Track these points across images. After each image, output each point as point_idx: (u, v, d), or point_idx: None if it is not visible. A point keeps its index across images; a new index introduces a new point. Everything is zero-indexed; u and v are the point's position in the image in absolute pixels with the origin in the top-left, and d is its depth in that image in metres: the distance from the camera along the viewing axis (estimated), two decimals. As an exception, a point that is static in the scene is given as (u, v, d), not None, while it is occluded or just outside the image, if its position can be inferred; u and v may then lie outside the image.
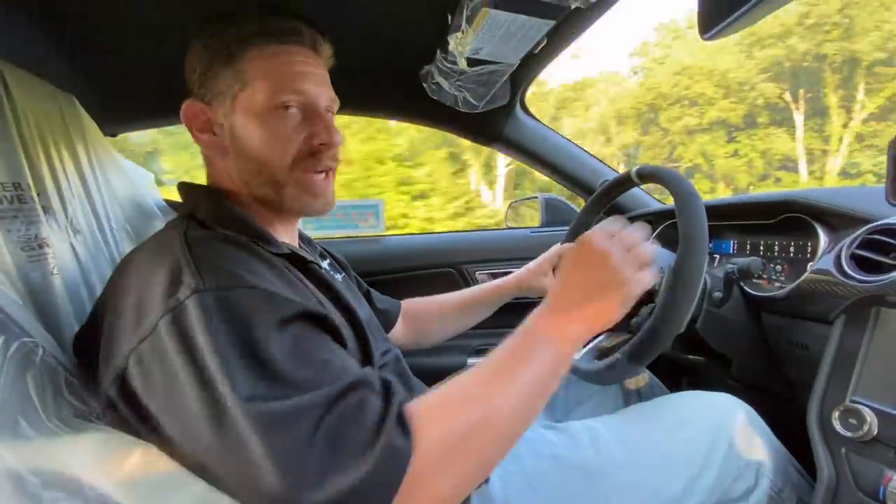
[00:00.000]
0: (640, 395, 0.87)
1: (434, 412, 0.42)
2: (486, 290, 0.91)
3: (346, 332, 0.51)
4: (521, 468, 0.61)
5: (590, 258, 0.51)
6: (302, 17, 0.57)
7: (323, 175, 0.58)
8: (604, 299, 0.49)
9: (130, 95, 0.96)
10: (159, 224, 0.84)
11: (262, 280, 0.44)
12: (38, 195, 0.57)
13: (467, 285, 1.33)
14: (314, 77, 0.56)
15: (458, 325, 0.93)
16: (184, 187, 0.58)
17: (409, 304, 0.92)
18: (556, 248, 0.89)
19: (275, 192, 0.56)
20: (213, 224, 0.52)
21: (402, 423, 0.40)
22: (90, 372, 0.48)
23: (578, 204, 1.44)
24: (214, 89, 0.54)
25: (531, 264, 0.90)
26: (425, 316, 0.92)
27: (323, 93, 0.57)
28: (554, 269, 0.87)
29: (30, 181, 0.57)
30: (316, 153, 0.56)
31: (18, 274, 0.51)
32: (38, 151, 0.60)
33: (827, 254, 0.69)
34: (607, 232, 0.52)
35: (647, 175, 0.75)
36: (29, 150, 0.58)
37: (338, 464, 0.36)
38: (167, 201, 0.90)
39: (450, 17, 0.76)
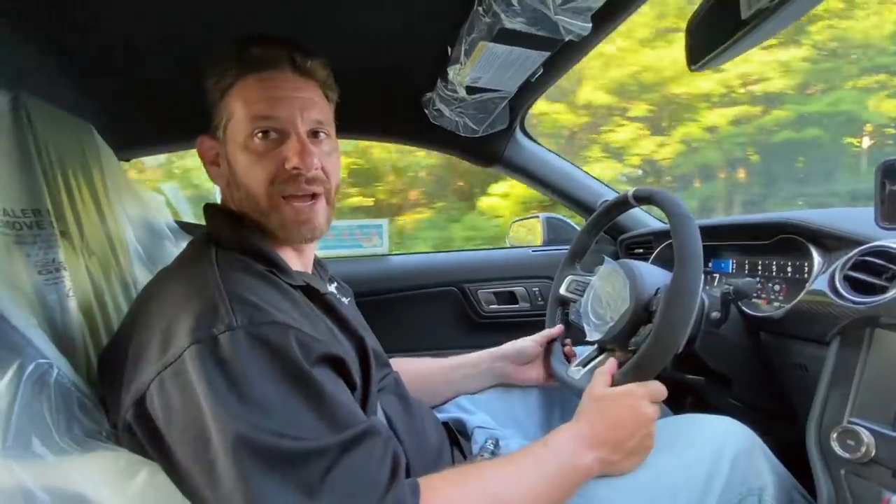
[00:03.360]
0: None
1: (447, 489, 0.47)
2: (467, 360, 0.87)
3: (353, 365, 0.53)
4: (520, 489, 0.61)
5: (636, 415, 0.58)
6: (283, 43, 0.57)
7: (309, 201, 0.57)
8: (629, 456, 0.57)
9: (144, 122, 1.00)
10: (170, 245, 0.86)
11: (287, 317, 0.46)
12: (56, 220, 0.60)
13: (470, 304, 1.35)
14: (292, 101, 0.55)
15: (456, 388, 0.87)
16: (209, 210, 0.61)
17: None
18: (525, 343, 0.87)
19: (265, 220, 0.57)
20: (232, 250, 0.54)
21: (414, 485, 0.43)
22: (110, 391, 0.49)
23: (578, 222, 1.46)
24: (216, 123, 0.59)
25: (500, 349, 0.87)
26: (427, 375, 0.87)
27: (300, 115, 0.55)
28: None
29: (49, 207, 0.59)
30: (294, 178, 0.55)
31: (36, 296, 0.54)
32: (57, 178, 0.63)
33: (821, 275, 0.70)
34: (654, 395, 0.60)
35: (643, 197, 0.77)
36: (48, 178, 0.61)
37: None
38: (178, 223, 0.93)
39: (449, 49, 0.79)
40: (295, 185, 0.55)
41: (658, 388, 0.61)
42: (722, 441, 0.62)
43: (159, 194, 0.95)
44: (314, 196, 0.57)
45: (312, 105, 0.57)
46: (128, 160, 1.12)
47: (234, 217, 0.59)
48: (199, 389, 0.40)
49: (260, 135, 0.55)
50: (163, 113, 0.97)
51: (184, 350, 0.41)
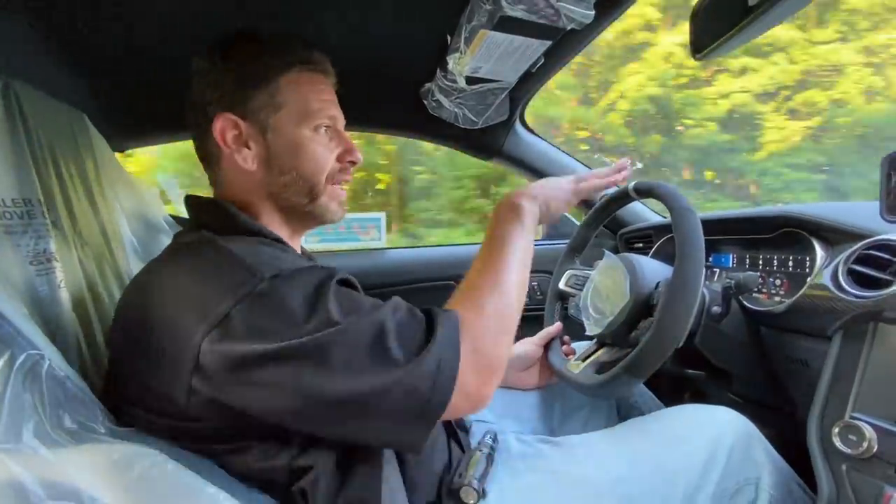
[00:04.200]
0: (638, 408, 0.87)
1: (461, 298, 0.54)
2: None
3: None
4: (518, 483, 0.61)
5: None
6: (322, 50, 0.63)
7: (345, 187, 0.66)
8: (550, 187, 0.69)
9: (139, 113, 0.99)
10: (164, 237, 0.85)
11: (302, 263, 0.50)
12: (48, 210, 0.59)
13: (468, 298, 1.34)
14: (335, 103, 0.64)
15: None
16: (192, 200, 0.59)
17: None
18: (525, 346, 0.88)
19: (309, 200, 0.61)
20: (228, 235, 0.53)
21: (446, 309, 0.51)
22: (121, 374, 0.50)
23: (578, 216, 1.45)
24: (248, 106, 0.58)
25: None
26: None
27: (342, 116, 0.65)
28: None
29: (40, 197, 0.58)
30: (345, 169, 0.64)
31: (26, 287, 0.53)
32: (49, 168, 0.62)
33: (824, 269, 0.69)
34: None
35: (644, 190, 0.77)
36: (40, 167, 0.60)
37: (414, 342, 0.46)
38: (173, 216, 0.91)
39: (449, 38, 0.78)
40: (345, 174, 0.64)
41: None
42: (719, 430, 0.62)
43: (155, 186, 0.94)
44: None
45: (340, 111, 0.65)
46: (122, 151, 1.10)
47: (226, 203, 0.58)
48: (269, 329, 0.43)
49: (324, 130, 0.61)
50: (159, 103, 0.95)
51: (230, 310, 0.43)
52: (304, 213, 0.62)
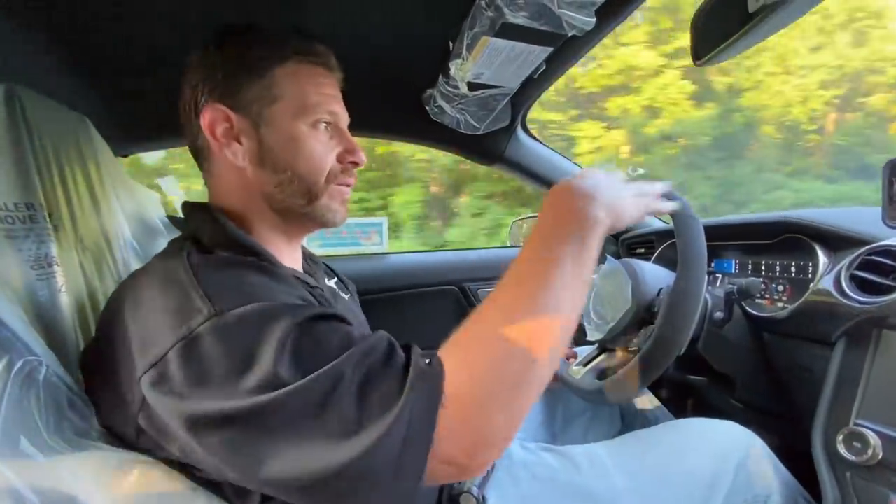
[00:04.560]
0: (642, 414, 0.87)
1: (457, 347, 0.42)
2: None
3: None
4: (519, 491, 0.60)
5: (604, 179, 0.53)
6: (324, 46, 0.59)
7: (348, 187, 0.61)
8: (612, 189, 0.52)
9: (141, 117, 0.99)
10: (164, 241, 0.85)
11: (272, 294, 0.44)
12: (50, 215, 0.59)
13: (470, 303, 1.33)
14: (339, 98, 0.59)
15: None
16: (187, 207, 0.57)
17: None
18: None
19: (306, 203, 0.56)
20: (214, 247, 0.51)
21: (430, 358, 0.41)
22: (94, 392, 0.48)
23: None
24: (240, 98, 0.53)
25: None
26: None
27: (345, 113, 0.60)
28: None
29: (42, 201, 0.58)
30: (346, 170, 0.59)
31: (26, 292, 0.53)
32: (52, 172, 0.62)
33: (827, 275, 0.69)
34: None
35: None
36: (42, 171, 0.60)
37: (376, 406, 0.37)
38: (169, 217, 0.91)
39: (451, 44, 0.78)
40: (347, 174, 0.59)
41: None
42: (726, 446, 0.61)
43: (155, 190, 0.94)
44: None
45: (344, 108, 0.61)
46: (125, 156, 1.11)
47: (217, 211, 0.55)
48: (191, 382, 0.38)
49: (323, 126, 0.56)
50: (162, 108, 0.95)
51: (167, 352, 0.39)
52: (302, 216, 0.58)
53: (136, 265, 0.74)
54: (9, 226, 0.54)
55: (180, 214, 0.62)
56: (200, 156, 0.58)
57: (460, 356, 0.41)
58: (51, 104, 0.66)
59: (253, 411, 0.36)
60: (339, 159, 0.58)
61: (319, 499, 0.37)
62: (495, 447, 0.40)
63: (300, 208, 0.57)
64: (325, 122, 0.57)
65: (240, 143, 0.54)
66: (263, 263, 0.51)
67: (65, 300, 0.57)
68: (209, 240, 0.51)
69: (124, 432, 0.44)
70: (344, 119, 0.60)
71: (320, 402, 0.36)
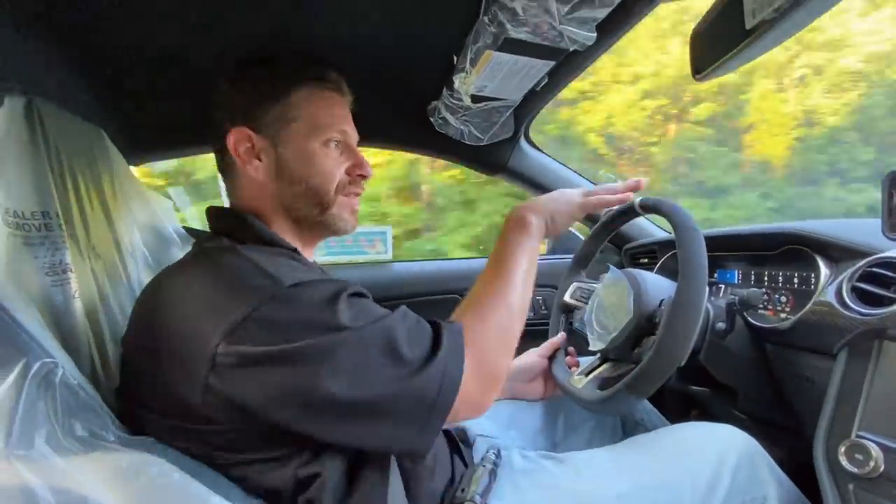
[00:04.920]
0: (643, 424, 0.86)
1: (466, 311, 0.57)
2: None
3: None
4: (521, 499, 0.60)
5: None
6: (336, 70, 0.66)
7: (357, 196, 0.67)
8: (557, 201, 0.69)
9: (154, 127, 1.01)
10: (177, 250, 0.87)
11: (318, 275, 0.51)
12: (65, 223, 0.61)
13: (473, 312, 1.34)
14: (349, 119, 0.66)
15: None
16: (214, 211, 0.63)
17: None
18: (529, 358, 0.88)
19: (319, 212, 0.63)
20: (252, 243, 0.56)
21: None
22: (136, 381, 0.51)
23: (584, 231, 1.45)
24: (262, 120, 0.61)
25: (512, 367, 0.87)
26: None
27: (354, 132, 0.67)
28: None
29: (58, 209, 0.60)
30: (354, 182, 0.66)
31: (42, 297, 0.54)
32: (67, 181, 0.64)
33: (828, 286, 0.70)
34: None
35: (650, 206, 0.77)
36: (58, 181, 0.62)
37: (421, 349, 0.48)
38: (186, 228, 0.93)
39: (455, 58, 0.80)
40: (355, 185, 0.66)
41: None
42: (724, 448, 0.62)
43: (168, 199, 0.96)
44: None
45: (353, 127, 0.68)
46: (138, 164, 1.13)
47: (245, 213, 0.61)
48: (282, 336, 0.44)
49: (334, 144, 0.63)
50: (174, 118, 0.98)
51: (250, 312, 0.44)
52: (316, 224, 0.64)
53: (147, 273, 0.76)
54: (25, 233, 0.56)
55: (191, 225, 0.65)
56: (226, 170, 0.65)
57: (469, 316, 0.55)
58: (68, 116, 0.68)
59: (330, 347, 0.44)
60: (348, 172, 0.65)
61: (369, 421, 0.45)
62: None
63: (314, 217, 0.64)
64: (336, 141, 0.63)
65: (260, 159, 0.61)
66: (298, 256, 0.58)
67: (78, 306, 0.59)
68: (241, 238, 0.57)
69: (182, 404, 0.46)
70: (353, 137, 0.67)
71: (380, 345, 0.46)
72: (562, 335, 0.90)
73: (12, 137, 0.57)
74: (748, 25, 0.52)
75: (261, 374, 0.43)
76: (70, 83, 0.80)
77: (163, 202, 0.90)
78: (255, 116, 0.61)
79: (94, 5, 0.65)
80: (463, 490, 0.59)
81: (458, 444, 0.71)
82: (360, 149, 0.68)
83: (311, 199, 0.62)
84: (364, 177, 0.66)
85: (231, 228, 0.59)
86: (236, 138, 0.60)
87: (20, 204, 0.56)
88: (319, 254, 1.39)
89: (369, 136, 1.18)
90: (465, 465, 0.68)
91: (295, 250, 0.59)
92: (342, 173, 0.64)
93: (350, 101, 0.67)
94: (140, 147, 1.03)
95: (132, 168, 0.94)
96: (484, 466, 0.64)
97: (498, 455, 0.67)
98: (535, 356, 0.87)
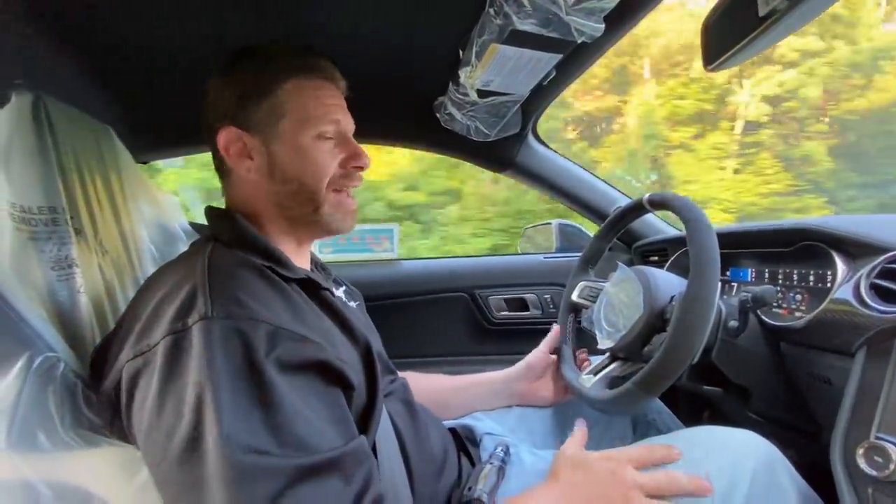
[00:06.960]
0: (655, 425, 0.85)
1: None
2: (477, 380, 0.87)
3: (353, 367, 0.52)
4: (528, 498, 0.59)
5: (617, 483, 0.54)
6: (326, 56, 0.63)
7: (352, 195, 0.64)
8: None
9: (161, 125, 1.02)
10: (183, 246, 0.87)
11: (273, 314, 0.46)
12: (72, 218, 0.61)
13: (480, 310, 1.33)
14: (342, 107, 0.63)
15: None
16: (209, 211, 0.62)
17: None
18: (534, 356, 0.86)
19: (312, 211, 0.60)
20: (234, 246, 0.55)
21: None
22: (98, 384, 0.50)
23: (592, 229, 1.44)
24: (252, 118, 0.58)
25: (514, 370, 0.86)
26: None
27: (349, 120, 0.64)
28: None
29: (65, 205, 0.61)
30: (349, 175, 0.62)
31: (47, 291, 0.54)
32: (74, 178, 0.64)
33: (846, 283, 0.67)
34: (634, 459, 0.57)
35: (659, 202, 0.76)
36: (65, 177, 0.62)
37: None
38: (192, 224, 0.94)
39: (461, 52, 0.79)
40: (350, 179, 0.62)
41: (639, 453, 0.58)
42: (741, 454, 0.60)
43: (175, 196, 0.96)
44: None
45: (347, 111, 0.64)
46: (145, 162, 1.14)
47: (236, 214, 0.59)
48: (167, 380, 0.40)
49: (327, 136, 0.60)
50: (181, 117, 0.99)
51: (159, 341, 0.42)
52: (311, 223, 0.62)
53: (151, 269, 0.76)
54: (32, 228, 0.56)
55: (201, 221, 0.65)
56: (220, 169, 0.64)
57: None
58: (75, 113, 0.68)
59: (195, 433, 0.38)
60: (343, 165, 0.61)
61: None
62: None
63: (308, 216, 0.61)
64: (330, 132, 0.60)
65: (251, 159, 0.59)
66: (274, 272, 0.53)
67: (83, 301, 0.59)
68: (229, 240, 0.56)
69: (100, 412, 0.46)
70: (348, 126, 0.63)
71: (244, 482, 0.37)
72: (556, 327, 0.89)
73: (20, 133, 0.58)
74: (761, 13, 0.50)
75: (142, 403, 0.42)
76: (78, 80, 0.81)
77: (170, 199, 0.90)
78: (244, 115, 0.59)
79: (102, 3, 0.65)
80: (470, 488, 0.59)
81: (465, 442, 0.71)
82: (364, 146, 0.66)
83: (304, 198, 0.60)
84: (360, 168, 0.63)
85: (221, 230, 0.58)
86: (226, 139, 0.59)
87: (27, 199, 0.56)
88: (326, 251, 1.40)
89: (374, 132, 1.18)
90: (473, 463, 0.67)
91: (273, 257, 0.55)
92: (336, 167, 0.61)
93: (344, 88, 0.64)
94: (147, 145, 1.04)
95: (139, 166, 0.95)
96: (492, 464, 0.63)
97: (507, 452, 0.66)
98: (538, 353, 0.86)
